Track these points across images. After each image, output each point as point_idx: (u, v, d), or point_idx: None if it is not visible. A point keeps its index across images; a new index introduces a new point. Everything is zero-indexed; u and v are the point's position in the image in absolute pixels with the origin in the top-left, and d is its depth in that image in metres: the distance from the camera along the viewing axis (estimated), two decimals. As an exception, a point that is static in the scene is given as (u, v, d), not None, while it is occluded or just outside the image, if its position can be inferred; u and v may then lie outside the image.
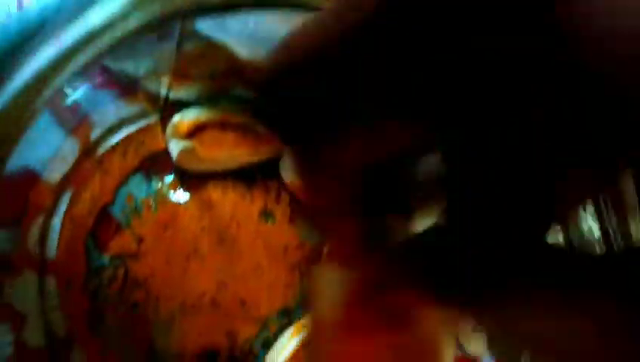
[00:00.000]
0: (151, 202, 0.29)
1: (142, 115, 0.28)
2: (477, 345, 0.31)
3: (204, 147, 0.28)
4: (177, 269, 0.29)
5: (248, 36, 0.23)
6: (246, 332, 0.30)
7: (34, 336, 0.28)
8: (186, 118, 0.28)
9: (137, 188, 0.29)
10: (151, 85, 0.27)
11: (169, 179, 0.30)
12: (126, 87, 0.29)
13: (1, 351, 0.26)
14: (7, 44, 0.20)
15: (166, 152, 0.29)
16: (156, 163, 0.29)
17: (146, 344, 0.29)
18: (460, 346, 0.31)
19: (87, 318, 0.29)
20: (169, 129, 0.28)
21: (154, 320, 0.29)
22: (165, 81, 0.27)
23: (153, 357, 0.29)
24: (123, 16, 0.21)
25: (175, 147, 0.28)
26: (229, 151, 0.29)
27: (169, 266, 0.29)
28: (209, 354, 0.30)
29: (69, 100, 0.28)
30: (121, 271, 0.29)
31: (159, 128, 0.29)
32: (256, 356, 0.31)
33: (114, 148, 0.29)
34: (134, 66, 0.28)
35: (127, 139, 0.29)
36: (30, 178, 0.27)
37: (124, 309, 0.29)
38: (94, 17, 0.20)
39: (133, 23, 0.21)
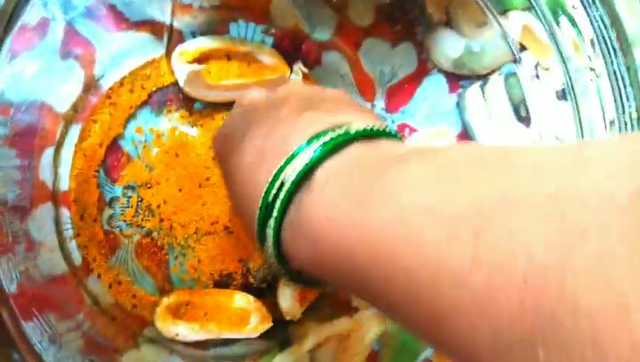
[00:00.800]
0: (160, 133, 0.29)
1: (144, 46, 0.28)
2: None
3: (210, 77, 0.28)
4: (190, 196, 0.29)
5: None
6: (259, 259, 0.31)
7: (54, 265, 0.28)
8: (190, 47, 0.28)
9: (146, 120, 0.29)
10: (153, 12, 0.27)
11: (177, 112, 0.30)
12: (127, 17, 0.28)
13: (20, 278, 0.27)
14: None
15: (173, 86, 0.30)
16: (164, 97, 0.29)
17: (162, 270, 0.30)
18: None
19: (102, 248, 0.29)
20: (174, 57, 0.28)
21: (168, 247, 0.30)
22: (168, 8, 0.27)
23: (169, 283, 0.30)
24: None
25: (182, 71, 0.28)
26: (235, 81, 0.29)
27: (182, 194, 0.29)
28: (224, 279, 0.30)
29: (72, 31, 0.28)
30: (134, 200, 0.29)
31: (164, 63, 0.29)
32: (269, 283, 0.32)
33: (121, 82, 0.29)
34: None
35: (133, 74, 0.29)
36: (39, 108, 0.28)
37: (138, 237, 0.29)
38: None
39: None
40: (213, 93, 0.29)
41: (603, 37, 0.15)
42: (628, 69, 0.15)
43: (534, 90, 0.30)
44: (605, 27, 0.15)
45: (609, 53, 0.15)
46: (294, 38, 0.31)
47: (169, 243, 0.30)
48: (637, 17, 0.14)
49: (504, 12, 0.26)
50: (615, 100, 0.16)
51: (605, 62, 0.16)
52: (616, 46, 0.15)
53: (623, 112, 0.16)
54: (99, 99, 0.29)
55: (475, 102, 0.32)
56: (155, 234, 0.29)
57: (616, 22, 0.15)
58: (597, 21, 0.15)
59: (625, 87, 0.15)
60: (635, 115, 0.15)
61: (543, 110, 0.30)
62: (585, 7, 0.15)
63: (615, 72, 0.15)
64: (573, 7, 0.16)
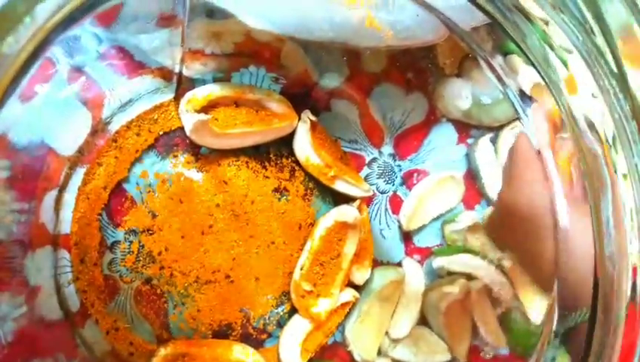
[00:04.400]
0: (165, 178, 0.29)
1: (154, 91, 0.28)
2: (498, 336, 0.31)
3: (218, 124, 0.28)
4: (192, 244, 0.29)
5: (264, 6, 0.23)
6: (260, 309, 0.30)
7: (50, 310, 0.28)
8: (199, 94, 0.28)
9: (152, 165, 0.29)
10: (163, 59, 0.27)
11: (183, 157, 0.29)
12: (138, 63, 0.28)
13: (14, 323, 0.26)
14: None
15: (180, 131, 0.29)
16: (171, 141, 0.29)
17: (160, 318, 0.29)
18: (478, 336, 0.31)
19: (100, 293, 0.29)
20: (182, 104, 0.28)
21: (168, 295, 0.29)
22: (178, 55, 0.27)
23: (167, 331, 0.29)
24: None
25: (189, 120, 0.27)
26: (242, 129, 0.28)
27: (184, 241, 0.29)
28: (223, 330, 0.30)
29: (83, 75, 0.28)
30: (135, 246, 0.29)
31: (172, 107, 0.29)
32: (270, 334, 0.31)
33: (128, 126, 0.29)
34: (147, 41, 0.28)
35: (140, 117, 0.29)
36: (44, 151, 0.27)
37: (138, 284, 0.29)
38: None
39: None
40: (220, 142, 0.29)
41: (624, 128, 0.15)
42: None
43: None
44: (626, 118, 0.15)
45: (629, 145, 0.15)
46: (303, 84, 0.30)
47: (169, 291, 0.29)
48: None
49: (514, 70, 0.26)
50: (634, 190, 0.15)
51: (625, 155, 0.15)
52: (637, 138, 0.15)
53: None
54: (105, 142, 0.29)
55: (485, 155, 0.32)
56: (155, 281, 0.29)
57: (637, 113, 0.14)
58: (617, 112, 0.15)
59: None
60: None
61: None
62: (605, 96, 0.15)
63: (636, 165, 0.15)
64: (592, 95, 0.15)
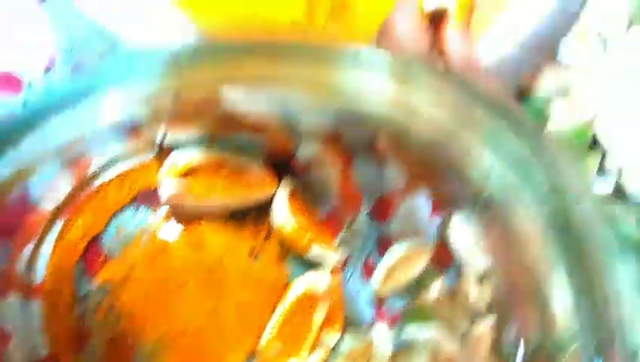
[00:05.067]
0: (141, 235, 0.30)
1: (137, 152, 0.29)
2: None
3: (196, 193, 0.29)
4: (163, 302, 0.29)
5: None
6: (227, 368, 0.31)
7: (20, 358, 0.28)
8: (180, 162, 0.28)
9: (129, 221, 0.30)
10: (149, 131, 0.27)
11: (161, 213, 0.30)
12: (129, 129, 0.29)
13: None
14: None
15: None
16: (150, 198, 0.30)
17: (127, 374, 0.29)
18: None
19: (71, 342, 0.29)
20: (162, 171, 0.28)
21: (137, 351, 0.29)
22: (163, 128, 0.28)
23: (133, 388, 0.30)
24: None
25: (167, 189, 0.28)
26: (222, 197, 0.29)
27: (155, 298, 0.29)
28: (188, 387, 0.30)
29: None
30: (107, 300, 0.29)
31: (154, 165, 0.30)
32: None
33: (109, 181, 0.29)
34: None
35: (123, 174, 0.29)
36: (25, 205, 0.28)
37: (108, 337, 0.29)
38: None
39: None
40: (198, 208, 0.29)
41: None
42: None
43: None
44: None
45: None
46: (284, 152, 0.31)
47: (138, 347, 0.29)
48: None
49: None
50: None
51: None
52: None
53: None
54: (85, 197, 0.29)
55: (458, 228, 0.32)
56: (124, 335, 0.29)
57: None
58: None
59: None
60: None
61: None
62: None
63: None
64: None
